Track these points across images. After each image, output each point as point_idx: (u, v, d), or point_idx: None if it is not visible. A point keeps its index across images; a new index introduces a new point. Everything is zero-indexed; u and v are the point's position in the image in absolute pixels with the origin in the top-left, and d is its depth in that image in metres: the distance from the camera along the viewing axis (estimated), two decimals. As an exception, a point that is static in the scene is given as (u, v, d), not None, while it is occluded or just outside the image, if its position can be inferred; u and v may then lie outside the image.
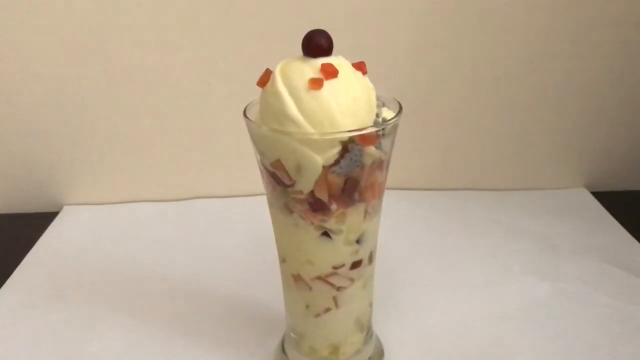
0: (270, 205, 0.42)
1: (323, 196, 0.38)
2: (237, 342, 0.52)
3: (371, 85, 0.39)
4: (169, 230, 0.71)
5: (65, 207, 0.76)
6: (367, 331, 0.47)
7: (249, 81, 0.69)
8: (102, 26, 0.67)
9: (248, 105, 0.41)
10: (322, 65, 0.37)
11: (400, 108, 0.40)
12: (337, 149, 0.37)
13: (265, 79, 0.38)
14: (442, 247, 0.65)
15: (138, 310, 0.56)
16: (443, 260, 0.62)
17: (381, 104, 0.41)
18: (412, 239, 0.66)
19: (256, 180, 0.42)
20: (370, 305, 0.47)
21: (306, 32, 0.38)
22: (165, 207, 0.76)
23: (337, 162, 0.37)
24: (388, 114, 0.40)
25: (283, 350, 0.48)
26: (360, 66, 0.39)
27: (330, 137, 0.36)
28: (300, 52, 0.38)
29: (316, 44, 0.38)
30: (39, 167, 0.75)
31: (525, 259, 0.62)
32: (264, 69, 0.39)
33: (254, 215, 0.59)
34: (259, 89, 0.69)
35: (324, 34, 0.38)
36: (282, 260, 0.44)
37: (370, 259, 0.44)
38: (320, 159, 0.37)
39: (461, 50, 0.70)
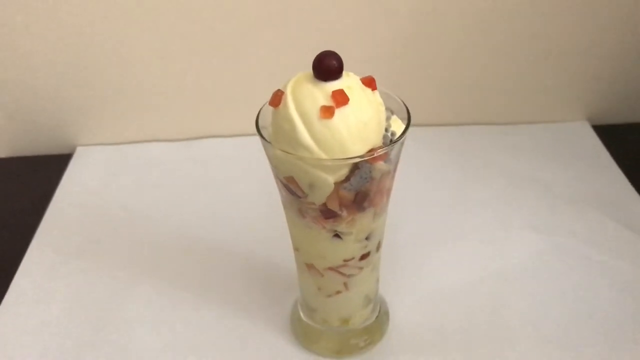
0: (284, 207, 0.45)
1: (334, 207, 0.41)
2: (250, 300, 0.56)
3: (380, 101, 0.40)
4: (183, 171, 0.74)
5: (78, 149, 0.78)
6: (375, 302, 0.52)
7: (255, 24, 0.69)
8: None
9: (258, 117, 0.41)
10: (333, 93, 0.37)
11: (409, 121, 0.41)
12: (348, 168, 0.39)
13: (276, 100, 0.39)
14: (443, 196, 0.68)
15: (158, 268, 0.60)
16: (444, 212, 0.66)
17: (389, 114, 0.42)
18: (413, 185, 0.69)
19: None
20: (378, 281, 0.51)
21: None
22: (178, 147, 0.78)
23: (347, 178, 0.39)
24: (397, 124, 0.41)
25: (299, 314, 0.53)
26: (369, 82, 0.40)
27: (341, 163, 0.38)
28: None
29: (326, 68, 0.38)
30: (51, 109, 0.76)
31: (524, 210, 0.65)
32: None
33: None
34: (266, 36, 0.69)
35: (334, 56, 0.38)
36: (296, 249, 0.48)
37: (378, 247, 0.47)
38: (331, 179, 0.39)
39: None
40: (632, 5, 0.71)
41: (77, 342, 0.53)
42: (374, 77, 0.40)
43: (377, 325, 0.52)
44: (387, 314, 0.54)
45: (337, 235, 0.43)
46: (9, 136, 0.78)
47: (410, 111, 0.42)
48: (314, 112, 0.37)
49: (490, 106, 0.79)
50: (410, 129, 0.41)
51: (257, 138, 0.41)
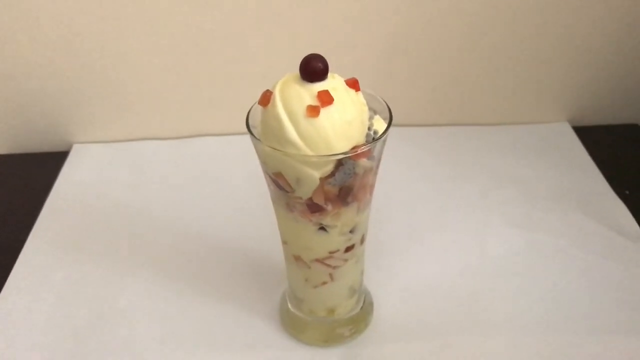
0: (273, 201, 0.47)
1: (320, 201, 0.43)
2: (241, 292, 0.59)
3: (363, 101, 0.42)
4: (176, 169, 0.76)
5: (74, 146, 0.80)
6: (359, 294, 0.54)
7: (246, 28, 0.72)
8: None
9: (249, 115, 0.44)
10: (319, 93, 0.39)
11: (390, 120, 0.43)
12: (332, 164, 0.41)
13: (265, 100, 0.41)
14: (427, 193, 0.70)
15: (152, 261, 0.63)
16: (428, 208, 0.68)
17: (372, 113, 0.44)
18: (398, 183, 0.71)
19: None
20: (362, 273, 0.53)
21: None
22: (171, 145, 0.80)
23: (332, 174, 0.42)
24: (379, 123, 0.44)
25: (287, 305, 0.56)
26: (353, 83, 0.42)
27: (326, 159, 0.40)
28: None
29: (312, 70, 0.40)
30: (47, 107, 0.78)
31: (505, 207, 0.68)
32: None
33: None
34: (256, 40, 0.72)
35: (319, 58, 0.40)
36: (284, 242, 0.50)
37: (362, 240, 0.49)
38: (317, 174, 0.41)
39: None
40: (610, 13, 0.74)
41: (73, 330, 0.55)
42: (357, 79, 0.42)
43: (362, 316, 0.55)
44: (371, 305, 0.56)
45: (322, 228, 0.45)
46: (5, 133, 0.80)
47: (396, 112, 0.44)
48: (300, 111, 0.39)
49: (475, 108, 0.81)
50: (396, 129, 0.43)
51: (248, 137, 0.43)
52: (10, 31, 0.71)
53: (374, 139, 0.42)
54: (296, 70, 0.41)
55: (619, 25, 0.75)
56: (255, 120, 0.43)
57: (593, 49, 0.77)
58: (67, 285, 0.60)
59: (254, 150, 0.45)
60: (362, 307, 0.55)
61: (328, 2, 0.71)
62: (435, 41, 0.75)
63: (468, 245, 0.63)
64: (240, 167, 0.74)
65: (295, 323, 0.55)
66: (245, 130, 0.43)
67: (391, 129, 0.43)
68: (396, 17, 0.73)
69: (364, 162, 0.42)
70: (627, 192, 0.70)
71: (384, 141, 0.44)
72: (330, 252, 0.48)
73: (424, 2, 0.72)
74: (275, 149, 0.41)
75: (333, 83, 0.41)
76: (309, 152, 0.40)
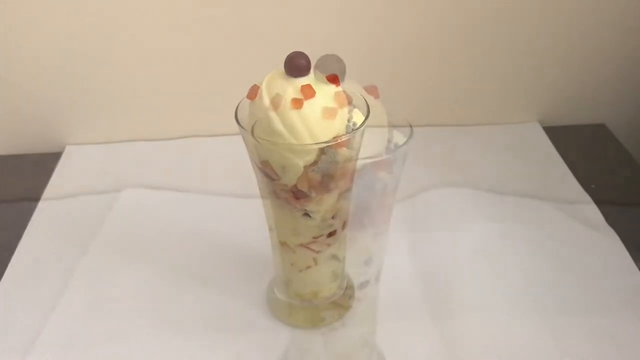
0: (261, 190, 0.51)
1: (304, 188, 0.47)
2: (231, 282, 0.62)
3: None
4: (167, 168, 0.79)
5: (67, 147, 0.83)
6: (341, 278, 0.58)
7: (235, 28, 0.75)
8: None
9: (237, 109, 0.47)
10: (302, 87, 0.43)
11: (368, 113, 0.47)
12: (315, 152, 0.45)
13: (253, 94, 0.45)
14: (405, 189, 0.73)
15: (145, 255, 0.65)
16: (406, 203, 0.72)
17: (352, 107, 0.48)
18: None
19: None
20: (344, 258, 0.57)
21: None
22: (163, 146, 0.83)
23: (315, 162, 0.45)
24: (358, 116, 0.47)
25: (274, 292, 0.59)
26: (333, 79, 0.46)
27: (309, 147, 0.44)
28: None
29: (296, 66, 0.44)
30: (41, 109, 0.80)
31: (479, 201, 0.72)
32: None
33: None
34: (247, 35, 0.75)
35: (303, 56, 0.44)
36: (271, 229, 0.54)
37: (343, 226, 0.53)
38: (301, 162, 0.45)
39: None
40: (579, 20, 0.78)
41: (69, 320, 0.58)
42: (338, 75, 0.46)
43: (344, 299, 0.58)
44: (352, 289, 0.60)
45: (306, 214, 0.49)
46: (-1, 135, 0.82)
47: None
48: (285, 103, 0.43)
49: (451, 110, 0.86)
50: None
51: (237, 137, 0.47)
52: (4, 34, 0.73)
53: (353, 129, 0.46)
54: (281, 67, 0.45)
55: (586, 32, 0.80)
56: (243, 114, 0.47)
57: (562, 54, 0.82)
58: (61, 281, 0.62)
59: (240, 151, 0.48)
60: (344, 291, 0.58)
61: (313, 1, 0.74)
62: (410, 46, 0.79)
63: (444, 234, 0.67)
64: (228, 166, 0.77)
65: (281, 308, 0.58)
66: (234, 131, 0.47)
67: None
68: (372, 24, 0.76)
69: (344, 151, 0.46)
70: (593, 186, 0.74)
71: (362, 132, 0.47)
72: (314, 237, 0.51)
73: (396, 12, 0.76)
74: (262, 138, 0.44)
75: (315, 78, 0.44)
76: (293, 141, 0.44)
